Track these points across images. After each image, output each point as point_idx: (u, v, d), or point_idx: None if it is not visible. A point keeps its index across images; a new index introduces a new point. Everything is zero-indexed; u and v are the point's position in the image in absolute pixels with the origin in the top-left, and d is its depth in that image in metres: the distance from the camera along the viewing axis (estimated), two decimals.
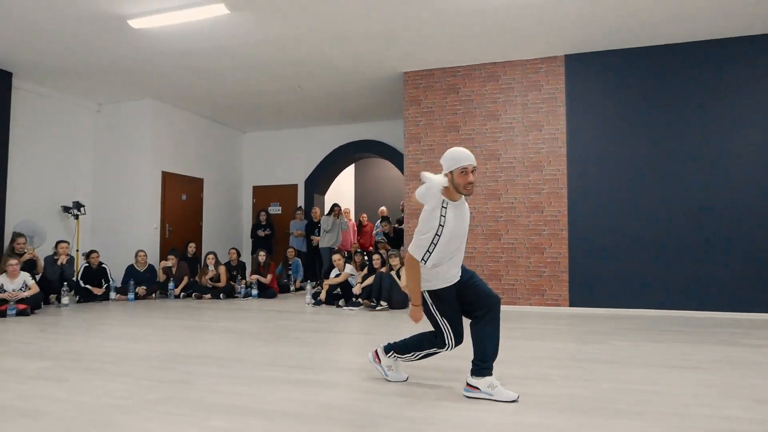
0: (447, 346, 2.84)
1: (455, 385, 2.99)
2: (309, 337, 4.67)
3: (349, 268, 7.32)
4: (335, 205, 9.62)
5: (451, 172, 2.61)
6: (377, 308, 6.58)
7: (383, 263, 7.26)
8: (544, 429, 2.30)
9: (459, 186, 2.59)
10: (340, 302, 7.08)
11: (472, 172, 2.59)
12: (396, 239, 8.83)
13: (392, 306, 6.67)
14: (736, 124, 6.05)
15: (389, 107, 9.10)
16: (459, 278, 2.79)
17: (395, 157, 9.95)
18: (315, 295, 7.32)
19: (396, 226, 9.12)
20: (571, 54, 6.63)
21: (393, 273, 6.82)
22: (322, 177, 10.61)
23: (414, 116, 7.26)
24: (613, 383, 3.06)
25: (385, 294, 6.65)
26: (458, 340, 2.84)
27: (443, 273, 2.73)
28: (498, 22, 5.78)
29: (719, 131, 6.10)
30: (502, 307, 6.56)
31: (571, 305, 6.44)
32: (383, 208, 11.20)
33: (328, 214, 9.54)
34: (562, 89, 6.65)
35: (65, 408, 2.61)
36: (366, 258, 8.90)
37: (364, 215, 11.53)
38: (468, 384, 2.79)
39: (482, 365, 2.75)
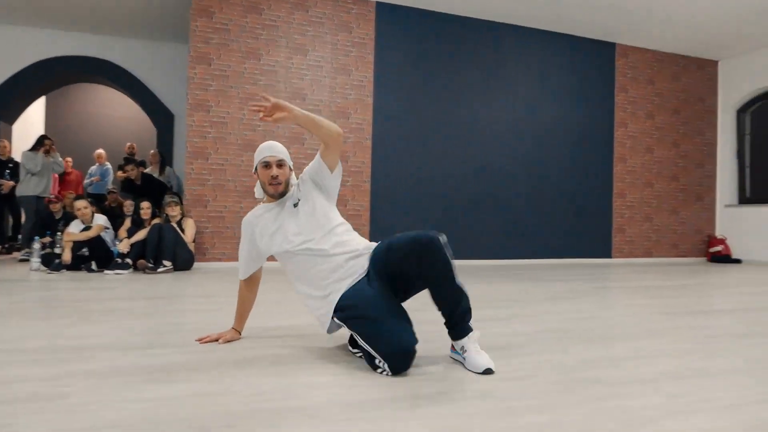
0: (380, 370, 1.81)
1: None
2: (120, 307, 3.14)
3: (101, 219, 5.37)
4: (44, 137, 6.97)
5: (256, 171, 2.22)
6: (159, 270, 5.03)
7: (155, 214, 5.62)
8: (588, 363, 2.03)
9: (264, 185, 2.18)
10: (93, 265, 5.13)
11: (278, 165, 2.15)
12: (144, 189, 6.95)
13: (177, 266, 5.23)
14: (507, 102, 7.02)
15: (148, 15, 7.03)
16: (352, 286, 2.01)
17: (133, 88, 7.84)
18: (48, 258, 5.10)
19: (144, 170, 7.17)
20: (382, 2, 6.42)
21: (174, 225, 5.33)
22: (12, 99, 7.50)
23: (203, 31, 5.79)
24: (560, 315, 3.04)
25: (167, 252, 5.14)
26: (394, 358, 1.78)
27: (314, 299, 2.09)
28: None
29: (495, 102, 6.96)
30: None
31: None
32: (100, 151, 8.76)
33: (32, 149, 6.82)
34: (372, 37, 6.40)
35: None
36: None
37: (69, 159, 8.81)
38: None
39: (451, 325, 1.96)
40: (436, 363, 1.96)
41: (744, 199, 8.15)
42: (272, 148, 2.15)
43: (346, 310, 1.94)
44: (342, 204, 6.25)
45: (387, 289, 1.96)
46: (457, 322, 1.92)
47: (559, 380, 1.77)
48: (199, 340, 2.24)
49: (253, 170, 2.22)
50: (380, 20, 6.43)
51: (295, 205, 2.13)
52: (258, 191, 2.26)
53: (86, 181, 8.59)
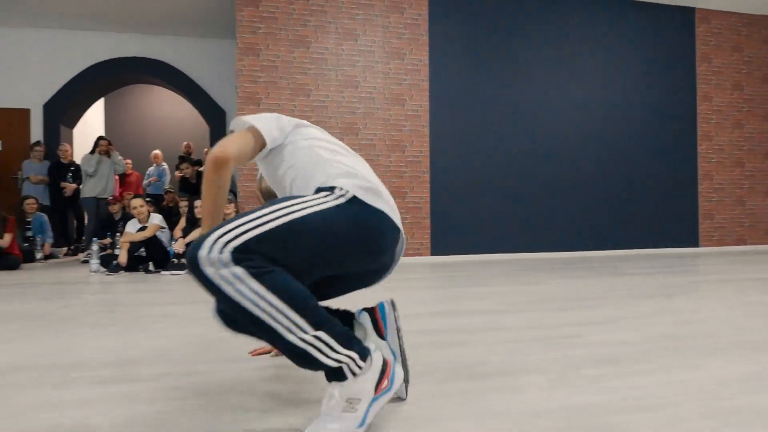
0: None
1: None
2: (174, 313, 2.93)
3: (157, 219, 5.28)
4: (100, 138, 7.02)
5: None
6: None
7: None
8: (739, 385, 1.58)
9: None
10: (150, 266, 5.05)
11: None
12: (200, 187, 6.90)
13: None
14: (579, 78, 6.43)
15: (197, 12, 6.94)
16: None
17: (185, 86, 7.80)
18: (107, 260, 5.06)
19: (199, 169, 7.12)
20: None
21: None
22: (71, 102, 7.63)
23: (250, 20, 5.58)
24: (668, 316, 2.57)
25: None
26: None
27: None
28: None
29: (561, 80, 6.39)
30: None
31: (432, 254, 5.98)
32: (157, 151, 8.82)
33: (91, 152, 6.88)
34: (426, 16, 6.00)
35: None
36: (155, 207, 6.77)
37: (129, 161, 8.92)
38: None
39: None
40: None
41: None
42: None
43: None
44: (400, 196, 5.90)
45: None
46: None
47: (710, 413, 1.35)
48: (252, 352, 1.96)
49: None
50: None
51: None
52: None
53: (145, 182, 8.67)
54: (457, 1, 6.08)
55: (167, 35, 7.64)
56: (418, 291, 3.58)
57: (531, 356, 1.90)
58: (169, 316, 2.79)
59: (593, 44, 6.49)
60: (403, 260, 5.82)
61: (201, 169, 7.24)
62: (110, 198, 6.72)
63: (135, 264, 5.06)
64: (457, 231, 6.04)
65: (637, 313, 2.69)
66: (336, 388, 1.20)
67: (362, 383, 1.21)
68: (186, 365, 1.83)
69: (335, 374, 1.20)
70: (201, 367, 1.81)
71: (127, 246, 5.01)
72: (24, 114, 7.39)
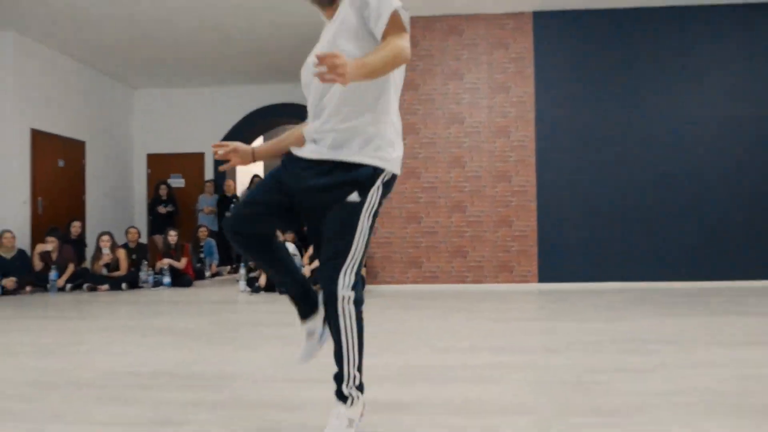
0: None
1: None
2: (279, 334, 3.62)
3: (291, 248, 6.22)
4: (255, 176, 8.37)
5: None
6: None
7: None
8: None
9: None
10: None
11: None
12: None
13: None
14: (701, 94, 6.01)
15: None
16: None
17: None
18: (251, 281, 6.12)
19: None
20: (539, 11, 6.13)
21: None
22: None
23: None
24: (730, 367, 2.53)
25: None
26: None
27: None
28: None
29: (685, 100, 6.02)
30: (468, 287, 6.00)
31: (540, 281, 6.05)
32: None
33: (248, 188, 8.24)
34: (530, 48, 6.15)
35: None
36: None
37: None
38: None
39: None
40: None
41: None
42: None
43: None
44: (507, 225, 6.10)
45: None
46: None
47: None
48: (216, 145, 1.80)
49: None
50: (538, 30, 6.13)
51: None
52: None
53: None
54: (561, 30, 6.11)
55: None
56: (486, 322, 3.84)
57: (540, 397, 2.15)
58: (278, 337, 3.48)
59: (715, 59, 5.98)
60: (507, 287, 5.99)
61: None
62: None
63: (272, 285, 6.03)
64: (566, 259, 6.03)
65: (693, 362, 2.68)
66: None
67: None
68: (258, 382, 2.44)
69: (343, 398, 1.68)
70: (270, 383, 2.40)
71: None
72: (199, 157, 9.10)
